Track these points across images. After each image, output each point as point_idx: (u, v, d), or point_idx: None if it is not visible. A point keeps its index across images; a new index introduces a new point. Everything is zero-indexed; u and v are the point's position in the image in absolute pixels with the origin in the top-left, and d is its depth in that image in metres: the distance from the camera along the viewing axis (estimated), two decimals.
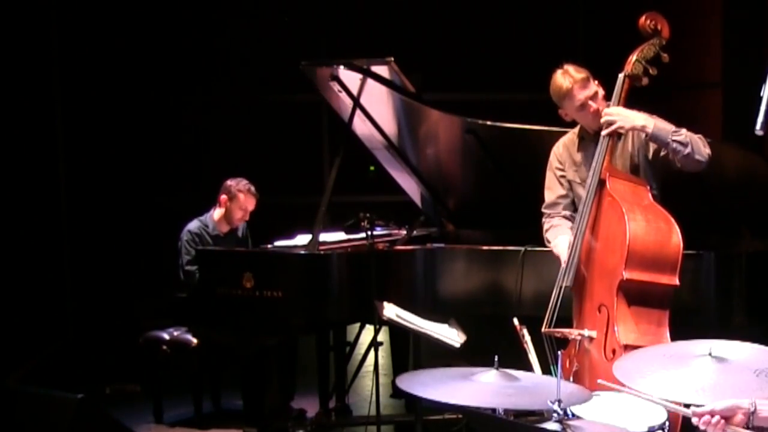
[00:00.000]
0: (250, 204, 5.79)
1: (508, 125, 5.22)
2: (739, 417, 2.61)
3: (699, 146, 3.99)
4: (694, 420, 2.64)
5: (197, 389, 5.80)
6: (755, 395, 2.64)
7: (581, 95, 4.10)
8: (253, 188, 5.80)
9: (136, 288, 8.25)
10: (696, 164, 4.00)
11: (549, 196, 4.36)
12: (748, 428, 2.61)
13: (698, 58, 7.64)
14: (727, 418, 2.60)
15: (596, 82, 4.16)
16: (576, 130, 4.30)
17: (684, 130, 3.99)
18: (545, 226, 4.35)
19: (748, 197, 4.87)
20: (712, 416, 2.60)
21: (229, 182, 5.80)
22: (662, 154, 4.05)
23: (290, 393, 5.74)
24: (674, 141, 3.95)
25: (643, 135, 4.02)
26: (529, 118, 5.15)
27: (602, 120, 4.04)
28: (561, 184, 4.32)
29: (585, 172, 4.19)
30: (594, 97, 4.11)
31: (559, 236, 4.19)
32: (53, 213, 8.28)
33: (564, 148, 4.33)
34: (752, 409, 2.60)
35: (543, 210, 4.38)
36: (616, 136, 4.08)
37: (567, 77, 4.12)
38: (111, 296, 8.38)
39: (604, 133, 4.02)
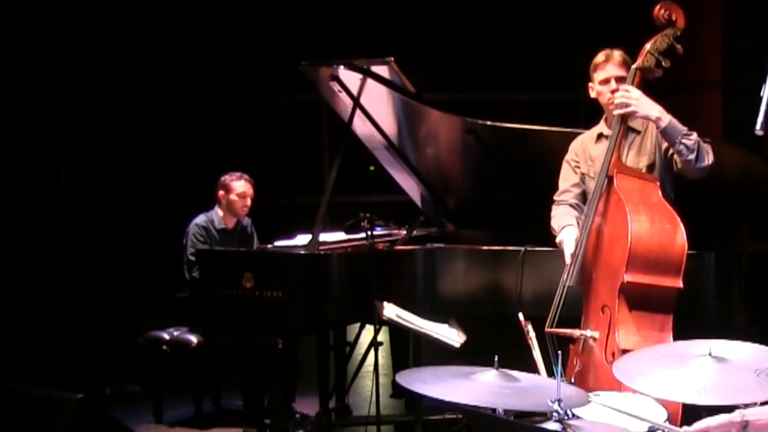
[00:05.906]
0: (248, 190, 5.89)
1: (508, 125, 5.21)
2: None
3: (703, 155, 3.92)
4: None
5: (197, 389, 5.80)
6: (755, 395, 2.63)
7: (611, 71, 4.06)
8: (246, 175, 5.90)
9: (136, 288, 8.26)
10: (694, 172, 3.95)
11: (562, 185, 4.32)
12: None
13: (698, 58, 7.64)
14: None
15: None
16: (596, 128, 4.27)
17: (695, 135, 3.91)
18: (552, 214, 4.30)
19: (748, 197, 4.86)
20: None
21: (221, 178, 5.92)
22: (670, 153, 4.00)
23: (292, 393, 5.73)
24: (682, 143, 3.88)
25: (655, 127, 3.97)
26: (529, 118, 5.15)
27: (617, 100, 3.93)
28: (575, 173, 4.28)
29: (599, 166, 4.16)
30: (622, 81, 4.03)
31: (564, 228, 4.12)
32: (53, 213, 8.29)
33: (581, 143, 4.30)
34: (744, 423, 2.55)
35: (554, 198, 4.34)
36: (628, 130, 4.04)
37: (608, 53, 4.10)
38: (111, 296, 8.39)
39: (616, 112, 3.94)
